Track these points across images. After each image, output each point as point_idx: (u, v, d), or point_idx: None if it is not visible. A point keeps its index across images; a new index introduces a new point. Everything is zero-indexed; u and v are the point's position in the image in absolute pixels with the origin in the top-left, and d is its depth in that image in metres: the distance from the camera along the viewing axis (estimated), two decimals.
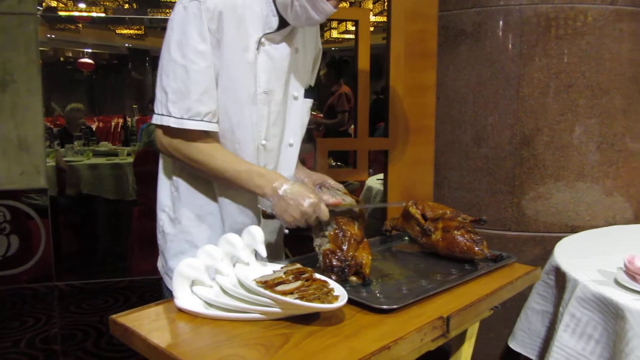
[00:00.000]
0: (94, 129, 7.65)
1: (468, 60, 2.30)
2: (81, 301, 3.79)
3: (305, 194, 1.32)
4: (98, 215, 4.85)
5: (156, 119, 1.37)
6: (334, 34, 11.13)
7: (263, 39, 1.40)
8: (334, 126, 5.96)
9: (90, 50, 13.76)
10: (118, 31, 11.34)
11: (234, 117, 1.41)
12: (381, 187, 2.99)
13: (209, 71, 1.34)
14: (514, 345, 1.87)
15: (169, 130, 1.37)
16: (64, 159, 4.82)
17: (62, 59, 14.27)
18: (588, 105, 2.18)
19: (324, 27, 10.91)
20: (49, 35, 11.35)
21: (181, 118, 1.34)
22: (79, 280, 4.13)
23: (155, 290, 1.45)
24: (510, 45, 2.21)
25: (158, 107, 1.37)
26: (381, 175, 2.93)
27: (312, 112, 5.97)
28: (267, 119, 1.46)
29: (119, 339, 1.11)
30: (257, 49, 1.40)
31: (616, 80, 2.18)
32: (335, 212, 1.38)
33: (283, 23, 1.42)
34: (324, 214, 1.33)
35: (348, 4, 8.77)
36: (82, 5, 8.80)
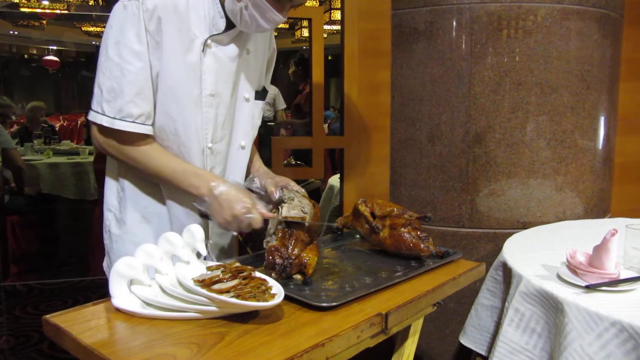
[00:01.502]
0: (57, 127, 7.51)
1: (421, 59, 2.32)
2: (39, 302, 3.72)
3: (240, 198, 1.32)
4: (58, 215, 4.77)
5: (91, 116, 1.36)
6: (305, 32, 11.11)
7: (209, 41, 1.39)
8: (303, 126, 5.96)
9: (55, 48, 13.49)
10: (84, 28, 11.13)
11: (178, 120, 1.39)
12: None
13: (144, 72, 1.33)
14: (464, 340, 1.90)
15: (103, 129, 1.36)
16: (23, 157, 4.72)
17: (26, 56, 13.96)
18: (538, 102, 2.22)
19: (294, 26, 10.88)
20: (12, 32, 11.09)
21: (113, 118, 1.33)
22: (37, 280, 4.05)
23: None
24: (462, 44, 2.23)
25: (94, 103, 1.36)
26: None
27: (287, 112, 5.98)
28: (214, 122, 1.45)
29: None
30: (203, 50, 1.38)
31: (564, 78, 2.23)
32: (288, 223, 1.37)
33: (230, 24, 1.41)
34: (256, 221, 1.33)
35: (315, 1, 8.77)
36: (45, 2, 8.61)
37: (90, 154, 5.07)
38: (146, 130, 1.36)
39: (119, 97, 1.32)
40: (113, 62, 1.31)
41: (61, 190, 4.68)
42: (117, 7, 1.33)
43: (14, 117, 6.03)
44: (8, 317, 3.43)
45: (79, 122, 9.26)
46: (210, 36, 1.39)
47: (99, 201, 4.36)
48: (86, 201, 4.69)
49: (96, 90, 1.35)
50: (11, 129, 6.02)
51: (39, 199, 4.59)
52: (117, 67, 1.31)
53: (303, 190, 1.56)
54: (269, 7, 1.33)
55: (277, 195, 1.48)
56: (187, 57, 1.36)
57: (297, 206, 1.41)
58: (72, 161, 4.81)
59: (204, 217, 1.40)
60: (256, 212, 1.33)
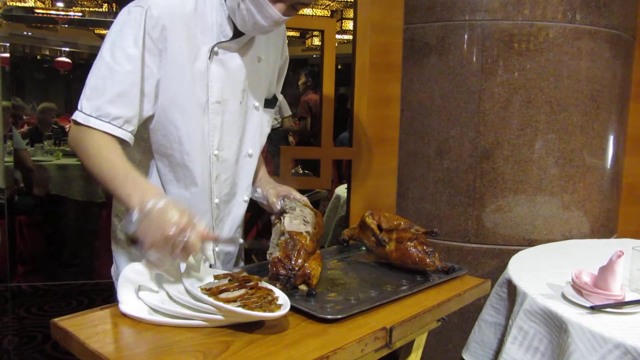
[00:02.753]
0: (67, 129, 7.56)
1: (432, 74, 2.34)
2: (43, 303, 3.74)
3: (174, 216, 1.12)
4: (66, 216, 4.79)
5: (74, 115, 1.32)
6: (316, 41, 11.15)
7: (216, 48, 1.38)
8: (299, 133, 6.04)
9: (67, 49, 13.59)
10: (97, 31, 11.23)
11: (182, 128, 1.38)
12: None
13: (132, 76, 1.29)
14: (467, 356, 1.89)
15: (77, 126, 1.30)
16: (33, 158, 4.75)
17: (38, 57, 14.07)
18: (547, 120, 2.23)
19: (305, 34, 10.93)
20: (25, 33, 11.19)
21: (89, 115, 1.27)
22: (42, 281, 4.06)
23: None
24: (472, 60, 2.25)
25: (78, 102, 1.32)
26: None
27: (294, 120, 6.04)
28: (220, 129, 1.44)
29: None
30: (210, 58, 1.38)
31: (574, 97, 2.24)
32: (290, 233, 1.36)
33: (239, 32, 1.40)
34: (193, 244, 1.12)
35: (327, 11, 8.81)
36: (60, 5, 8.70)
37: None
38: (121, 134, 1.30)
39: (100, 96, 1.28)
40: (104, 61, 1.29)
41: (69, 192, 4.70)
42: (122, 12, 1.32)
43: (25, 117, 6.08)
44: (12, 316, 3.45)
45: None
46: (217, 43, 1.38)
47: (106, 204, 4.39)
48: (93, 203, 4.71)
49: (84, 88, 1.31)
50: (21, 129, 6.06)
51: (46, 199, 4.62)
52: (106, 67, 1.29)
53: (305, 198, 1.55)
54: (266, 1, 1.29)
55: (278, 206, 1.48)
56: (194, 65, 1.36)
57: (299, 216, 1.42)
58: (81, 163, 4.83)
59: (133, 243, 1.27)
60: (193, 233, 1.12)
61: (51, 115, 5.83)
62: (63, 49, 13.21)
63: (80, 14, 8.20)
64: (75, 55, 13.81)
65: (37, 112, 5.93)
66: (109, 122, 1.28)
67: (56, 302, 3.78)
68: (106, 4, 8.55)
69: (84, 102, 1.29)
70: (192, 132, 1.39)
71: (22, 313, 3.55)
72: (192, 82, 1.36)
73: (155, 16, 1.29)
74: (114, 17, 1.37)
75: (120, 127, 1.29)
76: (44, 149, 5.22)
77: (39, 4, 7.96)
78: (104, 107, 1.28)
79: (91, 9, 7.93)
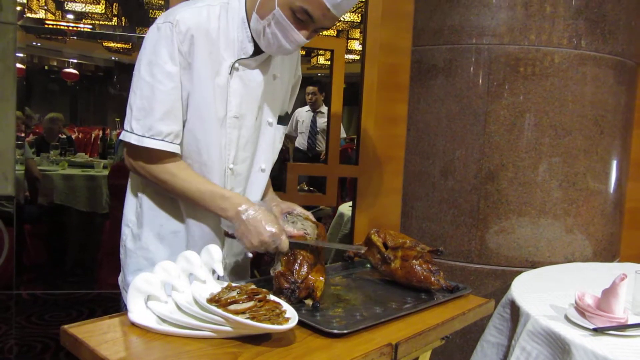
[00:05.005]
0: (73, 138, 7.61)
1: (438, 95, 2.37)
2: (44, 312, 3.74)
3: (267, 223, 1.32)
4: (69, 226, 4.81)
5: (122, 135, 1.39)
6: (321, 60, 11.27)
7: (237, 64, 1.42)
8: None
9: (75, 61, 13.73)
10: (105, 44, 11.34)
11: (201, 140, 1.42)
12: None
13: (175, 92, 1.36)
14: None
15: (131, 147, 1.39)
16: (39, 167, 4.78)
17: (46, 67, 14.20)
18: (551, 144, 2.25)
19: (311, 53, 11.04)
20: (34, 43, 11.30)
21: (142, 136, 1.35)
22: (43, 290, 4.07)
23: (121, 305, 1.47)
24: (479, 83, 2.28)
25: (125, 123, 1.39)
26: None
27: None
28: (237, 143, 1.48)
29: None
30: (230, 73, 1.42)
31: (578, 121, 2.27)
32: (297, 244, 1.39)
33: (259, 49, 1.44)
34: (284, 245, 1.33)
35: (333, 31, 8.90)
36: (70, 17, 8.80)
37: (104, 167, 5.14)
38: (174, 149, 1.38)
39: (148, 116, 1.34)
40: (145, 81, 1.35)
41: (74, 202, 4.72)
42: (151, 30, 1.37)
43: (31, 127, 6.13)
44: (15, 325, 3.45)
45: (93, 135, 9.38)
46: (238, 59, 1.42)
47: (110, 215, 4.41)
48: (97, 214, 4.74)
49: (127, 110, 1.38)
50: (27, 139, 6.11)
51: (51, 209, 4.64)
52: (148, 87, 1.34)
53: (307, 212, 1.58)
54: (291, 27, 1.34)
55: (281, 222, 1.50)
56: (216, 79, 1.40)
57: (300, 229, 1.45)
58: (86, 174, 4.87)
59: (229, 236, 1.41)
60: (284, 236, 1.33)
61: (59, 125, 5.88)
62: (71, 60, 13.34)
63: (90, 26, 8.29)
64: (82, 66, 13.93)
65: (44, 121, 5.97)
66: (162, 140, 1.36)
67: (56, 312, 3.78)
68: (115, 18, 8.65)
69: (134, 124, 1.35)
70: (210, 145, 1.43)
71: (22, 322, 3.55)
72: (213, 96, 1.40)
73: (183, 31, 1.34)
74: (122, 31, 1.41)
75: (171, 142, 1.37)
76: (49, 158, 5.26)
77: (49, 15, 8.05)
78: (155, 126, 1.34)
79: (101, 22, 8.02)
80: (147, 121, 1.35)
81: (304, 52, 10.25)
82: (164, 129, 1.35)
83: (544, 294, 1.79)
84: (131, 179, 1.55)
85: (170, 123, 1.36)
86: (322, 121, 5.84)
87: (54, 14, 8.46)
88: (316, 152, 5.89)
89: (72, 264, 4.66)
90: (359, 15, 7.80)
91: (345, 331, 1.16)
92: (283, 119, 1.61)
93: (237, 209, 1.34)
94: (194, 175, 1.41)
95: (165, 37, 1.34)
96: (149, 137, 1.35)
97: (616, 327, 1.41)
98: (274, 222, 1.34)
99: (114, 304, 3.71)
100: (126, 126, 1.38)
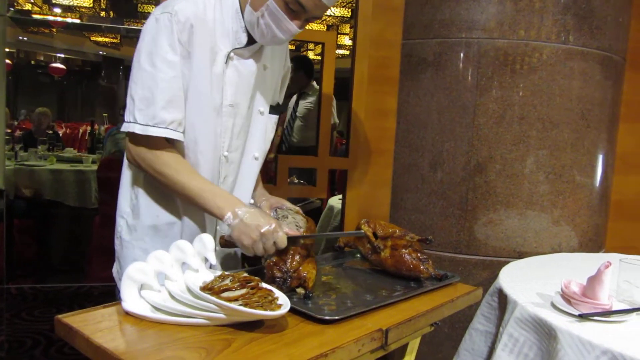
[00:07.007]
0: (60, 134, 7.56)
1: (428, 88, 2.39)
2: (33, 308, 3.72)
3: (265, 218, 1.34)
4: (59, 221, 4.79)
5: (124, 127, 1.39)
6: (311, 55, 11.28)
7: (232, 54, 1.45)
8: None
9: (62, 56, 13.60)
10: (93, 38, 11.24)
11: (198, 128, 1.44)
12: None
13: (177, 81, 1.37)
14: None
15: (134, 138, 1.40)
16: (26, 163, 4.76)
17: (33, 62, 14.05)
18: (539, 137, 2.29)
19: (300, 48, 11.05)
20: (20, 38, 11.18)
21: (146, 125, 1.36)
22: (33, 284, 4.05)
23: (112, 299, 1.48)
24: (468, 76, 2.31)
25: (126, 114, 1.39)
26: None
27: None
28: (231, 131, 1.50)
29: (70, 349, 1.12)
30: (226, 62, 1.45)
31: (565, 115, 2.30)
32: (296, 238, 1.41)
33: (252, 40, 1.47)
34: (282, 241, 1.34)
35: (323, 26, 8.91)
36: (57, 10, 8.72)
37: (93, 162, 5.12)
38: (178, 136, 1.40)
39: (151, 105, 1.35)
40: (146, 71, 1.35)
41: (62, 197, 4.71)
42: (149, 21, 1.39)
43: (15, 123, 6.07)
44: (6, 321, 3.44)
45: (81, 130, 9.32)
46: (233, 49, 1.46)
47: (99, 209, 4.40)
48: (86, 209, 4.72)
49: (129, 101, 1.38)
50: (14, 134, 6.06)
51: (40, 204, 4.62)
52: (149, 76, 1.35)
53: (296, 207, 1.61)
54: (284, 17, 1.38)
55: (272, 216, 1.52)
56: (213, 68, 1.43)
57: (291, 223, 1.47)
58: (75, 169, 4.85)
59: (227, 246, 1.42)
60: (281, 231, 1.34)
61: (47, 120, 5.84)
62: (57, 54, 13.20)
63: (77, 20, 8.23)
64: (69, 61, 13.80)
65: (33, 116, 5.93)
66: (166, 128, 1.37)
67: (46, 307, 3.76)
68: (103, 12, 8.60)
69: (137, 114, 1.36)
70: (206, 133, 1.46)
71: (13, 318, 3.54)
72: (210, 85, 1.43)
73: (182, 21, 1.36)
74: (111, 23, 1.42)
75: (175, 130, 1.39)
76: (37, 153, 5.23)
77: (36, 9, 7.98)
78: (158, 114, 1.35)
79: (89, 15, 7.96)
80: (150, 110, 1.35)
81: (293, 47, 10.26)
82: (167, 117, 1.37)
83: (531, 282, 1.82)
84: (127, 171, 1.55)
85: (173, 111, 1.38)
86: (304, 103, 4.80)
87: (40, 8, 8.39)
88: (291, 144, 4.85)
89: (60, 259, 4.64)
90: (349, 10, 7.82)
91: (337, 317, 1.18)
92: (274, 109, 1.64)
93: (233, 207, 1.35)
94: (195, 173, 1.43)
95: (164, 27, 1.35)
96: (152, 126, 1.36)
97: (601, 313, 1.45)
98: (271, 219, 1.36)
99: (105, 299, 3.69)
100: (129, 117, 1.38)
